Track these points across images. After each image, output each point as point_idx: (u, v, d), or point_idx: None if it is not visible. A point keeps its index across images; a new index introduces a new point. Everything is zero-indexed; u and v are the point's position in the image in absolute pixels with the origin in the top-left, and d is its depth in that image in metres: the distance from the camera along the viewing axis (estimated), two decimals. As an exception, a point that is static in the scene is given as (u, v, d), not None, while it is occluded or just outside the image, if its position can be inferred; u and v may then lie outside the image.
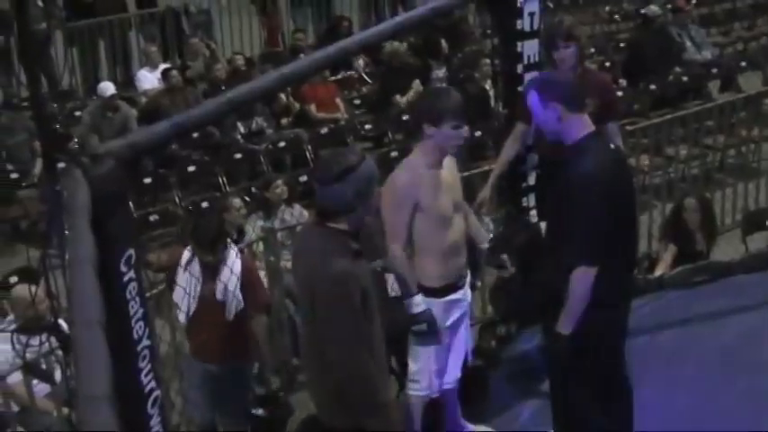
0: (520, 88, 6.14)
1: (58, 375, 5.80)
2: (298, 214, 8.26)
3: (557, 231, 4.69)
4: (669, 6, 13.70)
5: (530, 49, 6.18)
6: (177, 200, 9.82)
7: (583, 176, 4.38)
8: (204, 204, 9.39)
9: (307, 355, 4.41)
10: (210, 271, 5.68)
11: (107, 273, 2.93)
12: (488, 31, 12.93)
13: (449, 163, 4.91)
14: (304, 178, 9.85)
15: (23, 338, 5.94)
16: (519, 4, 6.06)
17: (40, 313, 5.54)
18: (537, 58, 6.22)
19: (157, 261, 8.08)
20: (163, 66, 12.21)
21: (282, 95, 11.16)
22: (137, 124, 10.47)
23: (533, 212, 6.46)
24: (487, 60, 11.01)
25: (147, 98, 11.83)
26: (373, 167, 4.09)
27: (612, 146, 4.76)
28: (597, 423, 4.76)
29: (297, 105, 11.50)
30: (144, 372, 3.39)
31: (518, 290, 6.57)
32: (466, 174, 7.80)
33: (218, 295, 5.69)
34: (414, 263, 4.91)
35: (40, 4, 12.57)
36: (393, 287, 5.69)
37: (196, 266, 5.68)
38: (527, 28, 6.14)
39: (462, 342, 5.22)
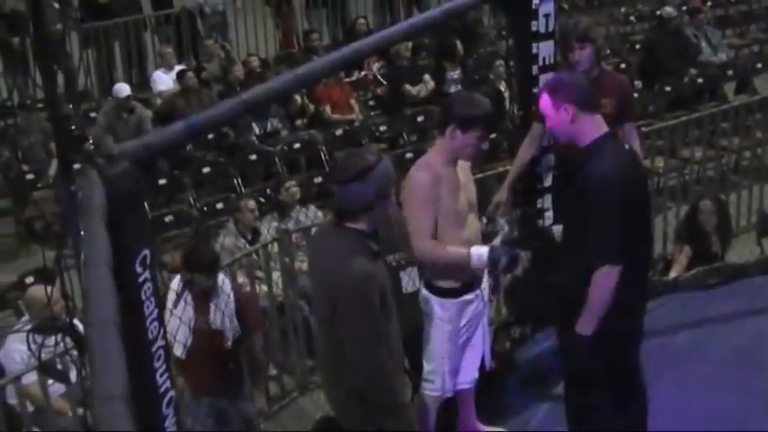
0: (535, 90, 6.13)
1: (73, 375, 5.81)
2: (312, 215, 8.27)
3: (573, 233, 4.68)
4: (685, 8, 13.67)
5: (545, 50, 6.16)
6: (192, 201, 9.84)
7: (599, 177, 4.36)
8: (219, 206, 9.42)
9: (324, 356, 4.40)
10: (204, 299, 5.68)
11: (122, 273, 2.93)
12: (503, 33, 12.90)
13: (463, 162, 4.91)
14: (318, 179, 9.87)
15: (39, 338, 5.96)
16: (534, 6, 6.04)
17: (56, 313, 5.55)
18: (552, 60, 6.21)
19: (172, 262, 8.10)
20: (178, 67, 12.23)
21: (297, 97, 11.17)
22: (152, 125, 10.50)
23: (548, 214, 6.44)
24: (502, 62, 11.01)
25: (162, 99, 11.85)
26: (390, 167, 4.10)
27: (627, 146, 4.75)
28: (612, 424, 4.74)
29: (312, 107, 11.51)
30: (159, 372, 3.39)
31: (533, 292, 6.57)
32: (480, 175, 7.81)
33: (217, 323, 5.69)
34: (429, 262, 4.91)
35: (56, 5, 12.60)
36: (407, 284, 5.71)
37: (188, 297, 5.67)
38: (542, 29, 6.12)
39: (479, 343, 5.21)
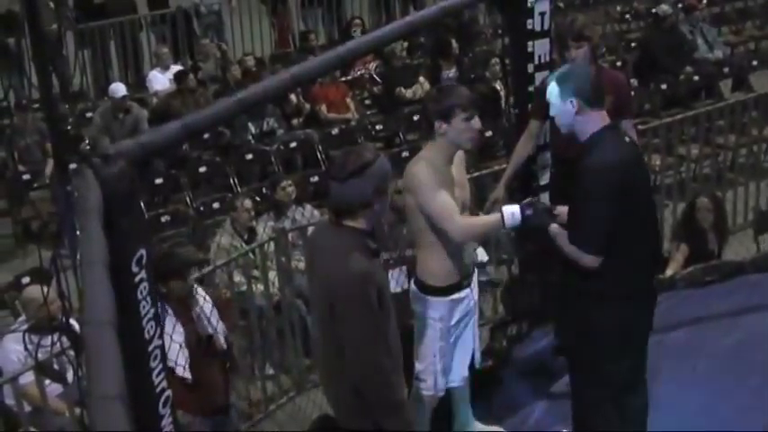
0: (531, 88, 6.14)
1: (70, 375, 5.81)
2: (309, 214, 8.27)
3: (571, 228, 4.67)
4: (680, 5, 13.67)
5: (541, 48, 6.17)
6: (188, 200, 9.84)
7: (598, 164, 4.35)
8: (215, 205, 9.43)
9: (323, 355, 4.39)
10: (185, 310, 5.65)
11: (119, 273, 2.93)
12: (499, 31, 12.91)
13: (458, 161, 4.90)
14: (315, 179, 9.87)
15: (35, 338, 5.97)
16: (529, 4, 6.04)
17: (52, 313, 5.55)
18: (548, 58, 6.21)
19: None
20: (174, 67, 12.24)
21: (293, 96, 11.17)
22: (148, 125, 10.50)
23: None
24: (498, 60, 11.01)
25: (158, 99, 11.86)
26: (388, 164, 4.09)
27: (628, 139, 4.73)
28: (614, 423, 4.73)
29: (307, 106, 11.51)
30: (155, 371, 3.39)
31: (530, 289, 6.58)
32: (476, 174, 7.82)
33: (209, 330, 5.68)
34: (420, 259, 4.92)
35: (51, 5, 12.60)
36: (397, 282, 5.69)
37: (171, 315, 5.62)
38: (538, 27, 6.12)
39: (469, 341, 5.20)
